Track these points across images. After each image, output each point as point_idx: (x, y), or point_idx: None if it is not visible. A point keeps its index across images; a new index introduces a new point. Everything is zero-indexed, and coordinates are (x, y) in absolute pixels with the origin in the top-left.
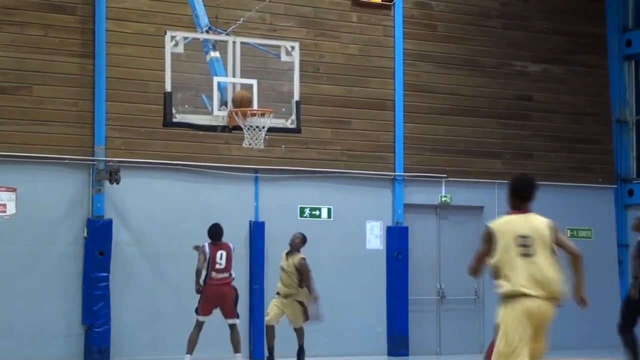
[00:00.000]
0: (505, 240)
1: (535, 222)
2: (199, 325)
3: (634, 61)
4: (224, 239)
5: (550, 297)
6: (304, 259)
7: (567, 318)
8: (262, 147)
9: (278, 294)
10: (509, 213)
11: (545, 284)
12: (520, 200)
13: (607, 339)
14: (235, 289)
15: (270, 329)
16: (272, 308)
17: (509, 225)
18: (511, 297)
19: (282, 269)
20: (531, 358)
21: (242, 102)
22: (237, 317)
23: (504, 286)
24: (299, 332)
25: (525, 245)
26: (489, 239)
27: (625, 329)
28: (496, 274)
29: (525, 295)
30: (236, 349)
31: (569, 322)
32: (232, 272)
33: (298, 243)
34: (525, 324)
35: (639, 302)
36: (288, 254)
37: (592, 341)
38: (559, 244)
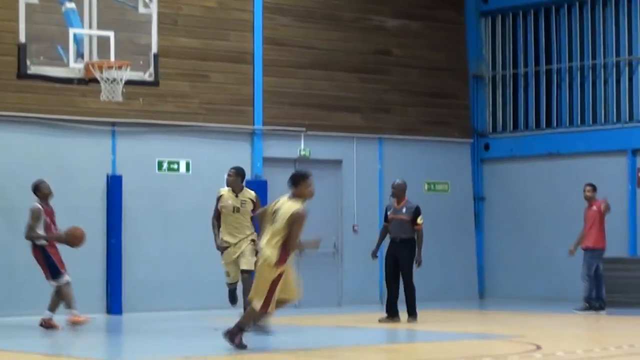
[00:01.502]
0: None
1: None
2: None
3: (491, 17)
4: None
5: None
6: None
7: (429, 270)
8: (120, 99)
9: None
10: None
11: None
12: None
13: (464, 289)
14: (40, 251)
15: None
16: None
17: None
18: None
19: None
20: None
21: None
22: (51, 278)
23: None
24: None
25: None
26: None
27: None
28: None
29: None
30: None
31: (431, 274)
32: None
33: None
34: None
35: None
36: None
37: (451, 292)
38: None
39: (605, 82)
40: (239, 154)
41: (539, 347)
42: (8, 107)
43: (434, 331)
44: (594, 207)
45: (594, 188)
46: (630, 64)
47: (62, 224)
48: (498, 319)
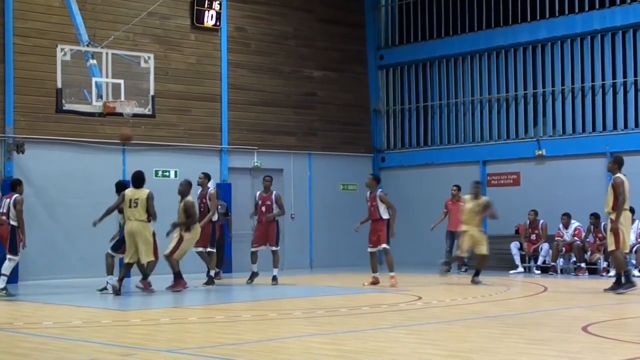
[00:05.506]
0: None
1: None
2: None
3: (385, 69)
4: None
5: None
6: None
7: (343, 244)
8: (131, 112)
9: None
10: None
11: None
12: None
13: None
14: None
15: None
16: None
17: None
18: None
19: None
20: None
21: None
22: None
23: None
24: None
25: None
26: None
27: None
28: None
29: None
30: None
31: (345, 247)
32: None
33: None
34: None
35: None
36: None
37: (360, 259)
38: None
39: (465, 114)
40: (212, 165)
41: (420, 298)
42: (49, 133)
43: (347, 287)
44: (461, 202)
45: (458, 188)
46: (481, 102)
47: (87, 215)
48: None
